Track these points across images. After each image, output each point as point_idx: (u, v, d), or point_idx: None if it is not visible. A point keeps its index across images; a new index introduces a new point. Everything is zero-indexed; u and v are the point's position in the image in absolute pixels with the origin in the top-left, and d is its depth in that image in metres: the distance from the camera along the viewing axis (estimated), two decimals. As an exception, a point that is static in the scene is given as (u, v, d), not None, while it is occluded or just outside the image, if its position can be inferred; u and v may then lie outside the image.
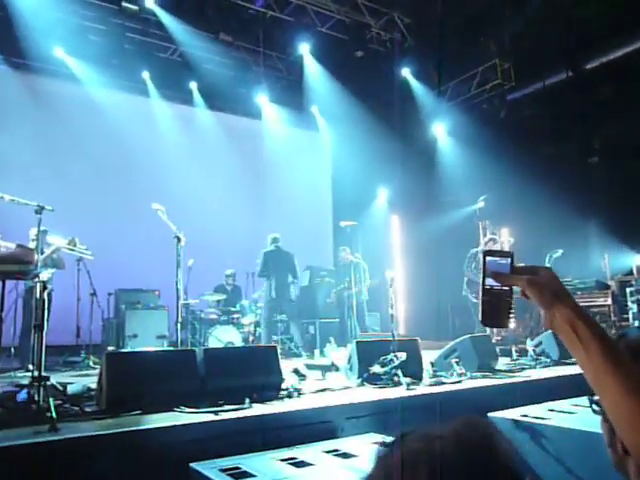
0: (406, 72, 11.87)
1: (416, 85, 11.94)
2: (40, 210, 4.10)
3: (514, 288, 1.01)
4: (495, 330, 8.36)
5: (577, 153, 10.37)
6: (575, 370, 5.72)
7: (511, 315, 1.01)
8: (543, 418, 3.38)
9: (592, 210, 9.39)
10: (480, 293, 1.02)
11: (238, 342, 8.43)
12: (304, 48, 11.24)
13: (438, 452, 0.72)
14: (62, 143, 10.40)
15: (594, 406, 1.01)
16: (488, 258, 1.02)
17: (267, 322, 8.74)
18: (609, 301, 8.79)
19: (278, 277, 8.75)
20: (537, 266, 1.00)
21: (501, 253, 1.03)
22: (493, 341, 6.92)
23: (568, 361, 6.22)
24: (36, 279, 3.74)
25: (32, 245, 4.70)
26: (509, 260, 1.01)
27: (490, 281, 1.01)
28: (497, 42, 11.03)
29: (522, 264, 1.04)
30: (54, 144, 10.30)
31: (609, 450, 0.98)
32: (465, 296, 8.60)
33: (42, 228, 4.25)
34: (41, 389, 3.38)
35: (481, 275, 1.03)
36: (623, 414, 0.85)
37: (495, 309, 1.01)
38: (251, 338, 8.88)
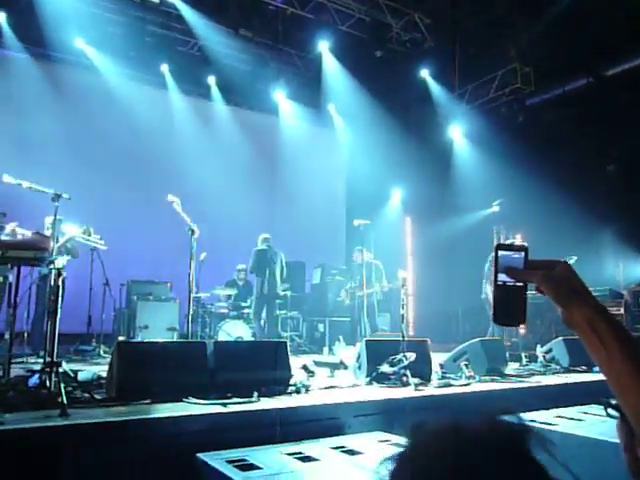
0: (425, 73, 11.84)
1: (434, 86, 11.90)
2: (57, 198, 4.15)
3: (529, 284, 0.95)
4: (505, 335, 8.33)
5: (594, 161, 10.28)
6: (584, 378, 5.69)
7: (525, 312, 0.95)
8: (551, 424, 3.36)
9: (607, 218, 9.30)
10: (492, 290, 0.96)
11: (247, 337, 8.45)
12: (323, 46, 11.24)
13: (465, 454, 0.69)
14: (80, 133, 10.50)
15: (610, 410, 0.96)
16: (501, 252, 0.96)
17: (257, 317, 8.79)
18: (622, 310, 8.72)
19: (269, 274, 8.84)
20: (553, 260, 0.93)
21: (515, 247, 0.96)
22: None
23: (578, 369, 6.19)
24: (51, 265, 3.79)
25: (48, 233, 4.74)
26: (523, 254, 0.95)
27: (503, 277, 0.95)
28: (517, 46, 10.96)
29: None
30: (72, 134, 10.41)
31: (625, 454, 0.93)
32: (484, 299, 8.56)
33: (58, 217, 4.29)
34: (52, 375, 3.41)
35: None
36: None
37: (508, 306, 0.95)
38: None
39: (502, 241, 9.00)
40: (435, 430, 0.74)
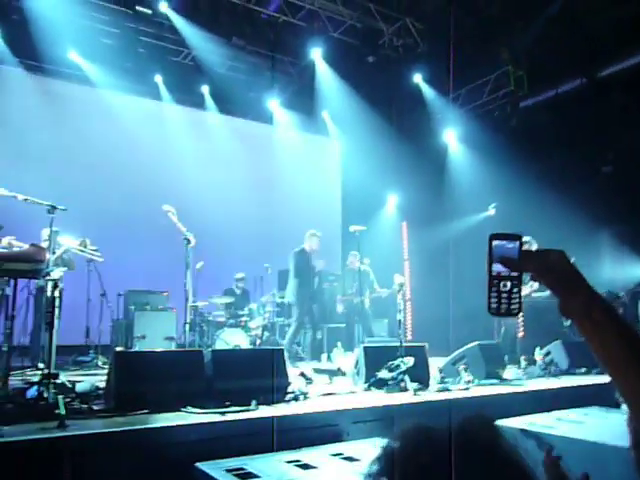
0: (418, 78, 11.86)
1: (428, 91, 11.93)
2: (52, 210, 4.15)
3: (524, 274, 0.94)
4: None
5: (590, 162, 10.30)
6: (583, 381, 5.69)
7: (520, 303, 0.94)
8: (550, 427, 3.36)
9: (605, 220, 9.31)
10: (487, 280, 0.95)
11: (245, 345, 8.43)
12: (316, 53, 11.26)
13: (441, 446, 0.72)
14: (74, 145, 10.49)
15: (624, 406, 0.95)
16: (495, 242, 0.95)
17: (298, 327, 8.56)
18: (620, 311, 8.71)
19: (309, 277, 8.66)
20: (548, 250, 0.92)
21: (509, 236, 0.94)
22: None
23: (577, 371, 6.19)
24: (48, 277, 3.78)
25: (45, 245, 4.74)
26: (517, 244, 0.93)
27: (497, 267, 0.94)
28: (511, 49, 11.01)
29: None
30: (67, 146, 10.40)
31: (633, 452, 0.92)
32: None
33: (54, 228, 4.29)
34: (50, 386, 3.40)
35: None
36: None
37: (502, 297, 0.94)
38: (258, 342, 8.88)
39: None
40: (422, 431, 0.76)
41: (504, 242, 0.94)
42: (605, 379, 5.67)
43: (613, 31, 9.31)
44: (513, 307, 0.95)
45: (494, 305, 0.95)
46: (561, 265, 0.90)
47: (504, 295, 0.94)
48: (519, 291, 0.94)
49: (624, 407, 0.98)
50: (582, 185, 9.69)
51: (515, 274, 0.94)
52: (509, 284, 0.94)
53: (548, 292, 0.92)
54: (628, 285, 9.24)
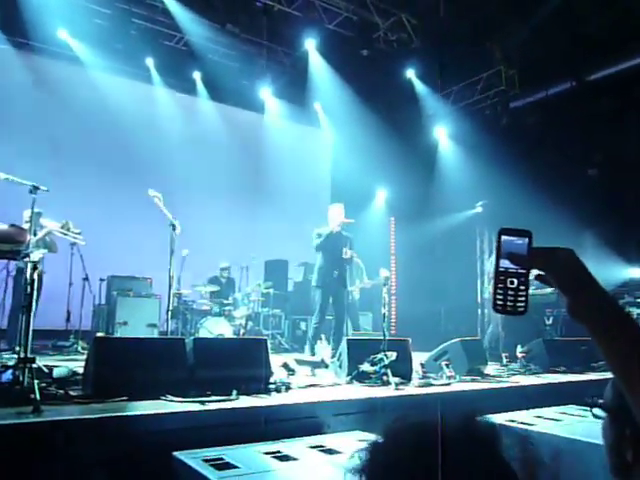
0: (411, 73, 11.84)
1: (420, 87, 11.92)
2: (34, 190, 4.06)
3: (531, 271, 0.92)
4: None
5: (577, 164, 10.37)
6: (563, 378, 5.75)
7: (527, 302, 0.91)
8: (529, 424, 3.39)
9: (588, 221, 9.38)
10: (493, 276, 0.93)
11: (229, 335, 8.39)
12: (310, 44, 11.18)
13: (437, 446, 0.68)
14: (61, 126, 10.32)
15: (595, 410, 0.93)
16: (504, 237, 0.92)
17: (320, 312, 7.78)
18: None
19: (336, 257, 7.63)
20: (557, 247, 0.90)
21: (519, 232, 0.92)
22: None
23: (557, 369, 6.25)
24: (27, 259, 3.71)
25: (26, 227, 4.65)
26: (527, 240, 0.91)
27: (505, 263, 0.91)
28: (503, 49, 11.03)
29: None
30: (53, 126, 10.23)
31: (610, 455, 0.90)
32: (487, 298, 8.57)
33: (36, 210, 4.20)
34: (26, 370, 3.34)
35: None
36: None
37: (509, 294, 0.92)
38: (242, 331, 8.84)
39: (485, 242, 9.04)
40: (409, 425, 0.73)
41: (513, 238, 0.92)
42: (582, 377, 5.71)
43: (604, 35, 9.35)
44: (519, 305, 0.92)
45: (500, 302, 0.93)
46: (571, 263, 0.88)
47: (510, 292, 0.92)
48: (526, 289, 0.92)
49: (595, 411, 0.96)
50: (568, 186, 9.75)
51: (523, 271, 0.92)
52: (516, 281, 0.92)
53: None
54: (610, 286, 9.33)
